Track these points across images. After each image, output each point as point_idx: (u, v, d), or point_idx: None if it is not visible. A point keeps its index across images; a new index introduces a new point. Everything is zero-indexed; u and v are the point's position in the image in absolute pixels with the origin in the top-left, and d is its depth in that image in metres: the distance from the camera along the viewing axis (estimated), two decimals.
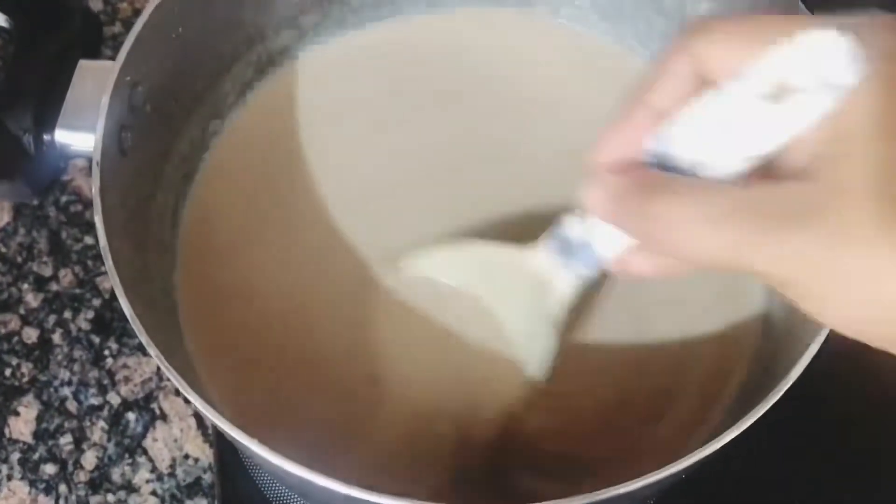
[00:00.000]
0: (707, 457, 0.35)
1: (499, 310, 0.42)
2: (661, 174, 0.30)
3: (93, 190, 0.38)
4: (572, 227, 0.38)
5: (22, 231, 0.59)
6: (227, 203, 0.48)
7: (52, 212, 0.59)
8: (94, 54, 0.44)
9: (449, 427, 0.42)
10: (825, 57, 0.26)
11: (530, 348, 0.42)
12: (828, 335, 0.36)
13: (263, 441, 0.35)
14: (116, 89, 0.40)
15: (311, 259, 0.47)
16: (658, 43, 0.51)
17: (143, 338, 0.36)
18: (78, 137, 0.41)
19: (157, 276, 0.44)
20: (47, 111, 0.41)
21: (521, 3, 0.53)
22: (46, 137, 0.41)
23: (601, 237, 0.36)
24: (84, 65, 0.42)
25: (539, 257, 0.40)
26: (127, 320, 0.55)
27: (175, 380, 0.35)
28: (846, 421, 0.51)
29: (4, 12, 0.41)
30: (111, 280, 0.37)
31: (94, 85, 0.41)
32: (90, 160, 0.40)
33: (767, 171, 0.29)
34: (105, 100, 0.40)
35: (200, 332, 0.45)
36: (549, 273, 0.40)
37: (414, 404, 0.43)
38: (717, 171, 0.29)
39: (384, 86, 0.52)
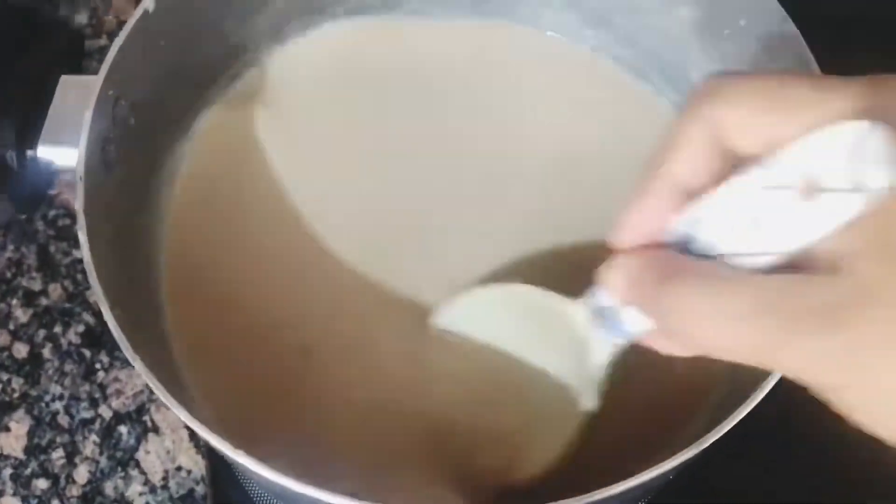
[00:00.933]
0: (694, 457, 0.35)
1: (535, 360, 0.42)
2: (680, 259, 0.29)
3: (76, 205, 0.38)
4: (603, 296, 0.36)
5: (10, 246, 0.59)
6: (204, 214, 0.49)
7: (40, 226, 0.59)
8: (77, 70, 0.44)
9: (454, 445, 0.42)
10: (857, 157, 0.25)
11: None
12: None
13: (252, 452, 0.35)
14: (99, 103, 0.40)
15: (293, 264, 0.47)
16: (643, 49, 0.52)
17: (128, 353, 0.36)
18: (61, 153, 0.41)
19: (144, 291, 0.44)
20: (30, 127, 0.41)
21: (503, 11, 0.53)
22: (29, 153, 0.41)
23: (627, 313, 0.34)
24: (66, 80, 0.42)
25: (580, 313, 0.38)
26: None
27: (158, 391, 0.35)
28: (830, 421, 0.51)
29: None
30: (96, 296, 0.37)
31: (77, 100, 0.41)
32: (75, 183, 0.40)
33: (794, 261, 0.26)
34: (88, 114, 0.40)
35: (188, 345, 0.45)
36: (589, 332, 0.38)
37: (409, 410, 0.43)
38: (743, 262, 0.27)
39: (358, 88, 0.52)
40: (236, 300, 0.46)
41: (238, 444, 0.35)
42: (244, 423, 0.43)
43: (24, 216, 0.58)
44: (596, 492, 0.34)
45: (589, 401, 0.40)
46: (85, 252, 0.38)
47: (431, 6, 0.53)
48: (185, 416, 0.35)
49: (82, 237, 0.38)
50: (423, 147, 0.50)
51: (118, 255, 0.42)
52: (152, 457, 0.54)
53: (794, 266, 0.26)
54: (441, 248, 0.48)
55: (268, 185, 0.49)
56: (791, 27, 0.43)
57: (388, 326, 0.46)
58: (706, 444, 0.35)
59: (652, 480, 0.35)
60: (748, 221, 0.27)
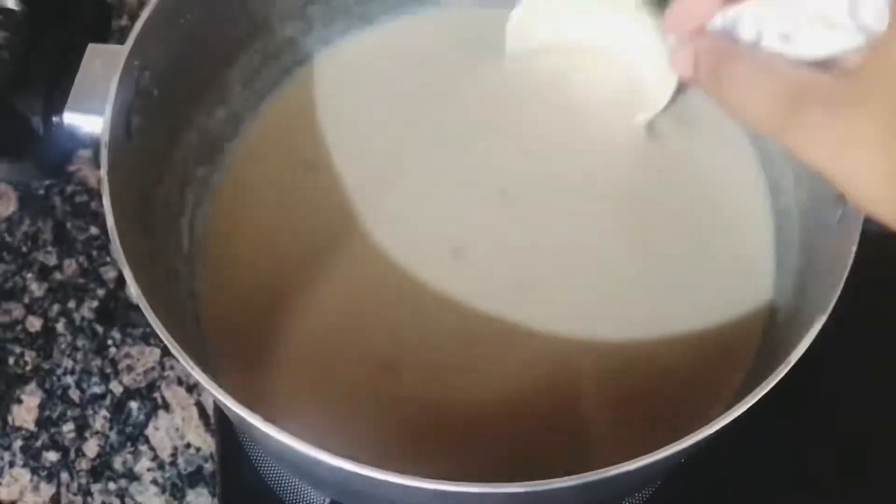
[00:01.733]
0: (707, 439, 0.35)
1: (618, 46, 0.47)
2: (734, 44, 0.34)
3: (101, 171, 0.39)
4: None
5: (27, 220, 0.59)
6: (235, 191, 0.49)
7: (57, 202, 0.60)
8: (104, 40, 0.44)
9: (460, 413, 0.42)
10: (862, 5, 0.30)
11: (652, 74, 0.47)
12: (826, 322, 0.36)
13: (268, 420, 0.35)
14: (125, 73, 0.41)
15: (320, 245, 0.48)
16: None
17: (148, 313, 0.36)
18: (86, 119, 0.41)
19: (162, 261, 0.44)
20: (56, 94, 0.41)
21: None
22: (55, 119, 0.41)
23: None
24: (93, 48, 0.42)
25: None
26: (130, 309, 0.57)
27: (172, 347, 0.35)
28: (845, 409, 0.51)
29: None
30: (117, 258, 0.37)
31: (103, 68, 0.41)
32: (96, 150, 0.40)
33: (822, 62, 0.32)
34: (114, 83, 0.40)
35: (209, 318, 0.45)
36: None
37: (427, 393, 0.43)
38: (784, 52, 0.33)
39: (400, 82, 0.52)
40: (264, 281, 0.47)
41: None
42: (260, 396, 0.43)
43: (46, 183, 0.59)
44: (602, 469, 0.33)
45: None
46: (108, 216, 0.38)
47: None
48: (200, 376, 0.35)
49: (106, 201, 0.38)
50: (478, 145, 0.51)
51: (139, 223, 0.42)
52: (161, 433, 0.54)
53: (822, 65, 0.31)
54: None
55: (308, 179, 0.50)
56: None
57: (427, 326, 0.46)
58: (711, 431, 0.35)
59: (659, 462, 0.35)
60: (774, 33, 0.33)
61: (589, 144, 0.50)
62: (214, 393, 0.35)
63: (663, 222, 0.48)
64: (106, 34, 0.46)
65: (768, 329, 0.45)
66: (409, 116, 0.51)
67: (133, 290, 0.37)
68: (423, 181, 0.49)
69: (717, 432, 0.35)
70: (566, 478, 0.33)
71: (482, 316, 0.45)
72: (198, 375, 0.35)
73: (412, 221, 0.48)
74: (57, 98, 0.41)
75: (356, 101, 0.52)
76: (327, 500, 0.50)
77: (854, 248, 0.37)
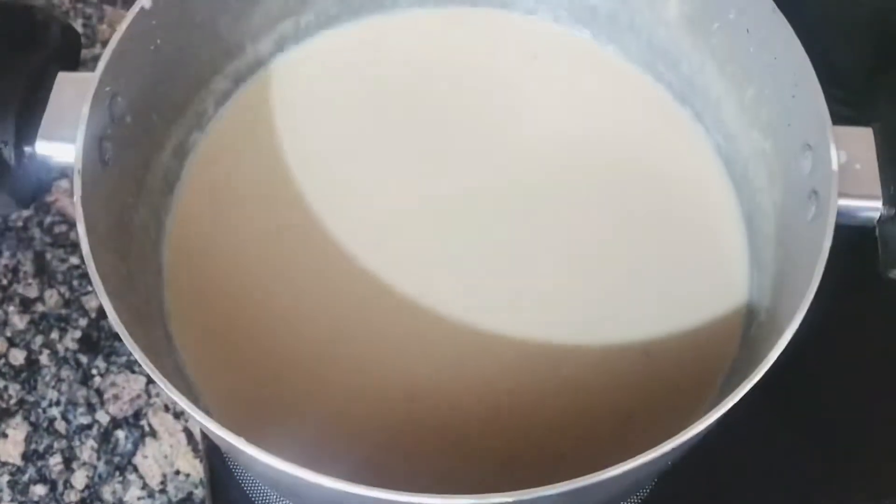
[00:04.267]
0: (689, 443, 0.35)
1: None
2: None
3: (74, 198, 0.39)
4: None
5: (6, 253, 0.59)
6: (210, 210, 0.49)
7: (36, 233, 0.59)
8: (73, 68, 0.44)
9: (444, 422, 0.42)
10: None
11: None
12: (812, 320, 0.37)
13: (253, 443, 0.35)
14: (96, 100, 0.41)
15: (296, 261, 0.47)
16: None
17: (128, 342, 0.36)
18: (59, 148, 0.41)
19: (142, 286, 0.44)
20: (27, 124, 0.41)
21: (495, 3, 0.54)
22: (27, 149, 0.41)
23: None
24: (63, 77, 0.42)
25: None
26: (114, 339, 0.56)
27: (156, 377, 0.35)
28: (827, 406, 0.51)
29: None
30: (95, 287, 0.37)
31: (74, 96, 0.41)
32: (72, 178, 0.40)
33: None
34: (85, 110, 0.40)
35: (188, 339, 0.45)
36: None
37: (408, 402, 0.43)
38: None
39: (362, 86, 0.52)
40: (238, 297, 0.47)
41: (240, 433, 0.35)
42: (244, 418, 0.43)
43: (24, 213, 0.58)
44: (587, 476, 0.33)
45: None
46: (84, 244, 0.38)
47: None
48: (184, 404, 0.35)
49: (80, 228, 0.38)
50: (440, 144, 0.51)
51: (115, 250, 0.42)
52: (150, 461, 0.54)
53: None
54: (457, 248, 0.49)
55: (273, 182, 0.50)
56: (780, 18, 0.43)
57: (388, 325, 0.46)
58: (695, 433, 0.35)
59: (648, 464, 0.34)
60: None
61: (556, 149, 0.50)
62: (199, 419, 0.35)
63: (634, 228, 0.49)
64: (75, 63, 0.45)
65: (748, 329, 0.45)
66: (376, 123, 0.51)
67: (112, 319, 0.37)
68: (386, 187, 0.50)
69: (698, 435, 0.35)
70: (552, 485, 0.33)
71: (456, 323, 0.45)
72: (179, 400, 0.35)
73: (385, 231, 0.48)
74: (28, 128, 0.41)
75: (322, 108, 0.52)
76: None
77: (827, 246, 0.38)
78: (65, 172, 0.43)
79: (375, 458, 0.42)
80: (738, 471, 0.50)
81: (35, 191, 0.43)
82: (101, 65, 0.41)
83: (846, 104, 0.44)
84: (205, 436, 0.53)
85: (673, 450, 0.34)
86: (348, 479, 0.33)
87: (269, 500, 0.51)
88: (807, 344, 0.37)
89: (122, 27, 0.42)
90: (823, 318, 0.37)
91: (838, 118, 0.41)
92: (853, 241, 0.40)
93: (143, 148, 0.46)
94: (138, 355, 0.36)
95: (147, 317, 0.43)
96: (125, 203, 0.44)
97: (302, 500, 0.44)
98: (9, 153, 0.40)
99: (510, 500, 0.33)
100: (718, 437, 0.38)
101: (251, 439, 0.35)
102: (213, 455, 0.52)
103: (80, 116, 0.40)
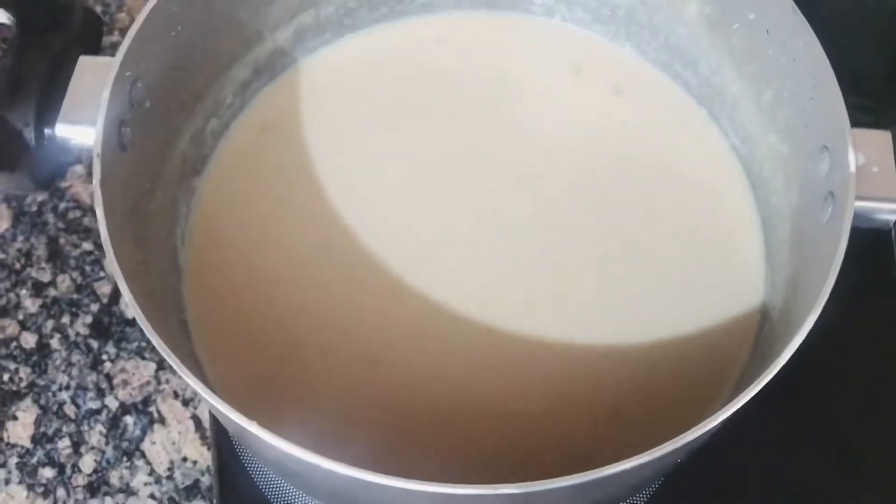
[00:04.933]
0: (701, 439, 0.35)
1: None
2: None
3: (94, 182, 0.39)
4: None
5: (20, 237, 0.59)
6: (232, 203, 0.49)
7: (50, 218, 0.60)
8: (95, 52, 0.44)
9: (450, 411, 0.42)
10: None
11: None
12: (824, 321, 0.37)
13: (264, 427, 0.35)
14: (116, 84, 0.41)
15: (315, 253, 0.48)
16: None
17: (144, 325, 0.36)
18: (78, 131, 0.41)
19: (156, 273, 0.44)
20: (48, 106, 0.41)
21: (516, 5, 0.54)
22: (47, 131, 0.41)
23: None
24: (84, 61, 0.42)
25: None
26: (124, 324, 0.57)
27: (168, 357, 0.35)
28: (839, 409, 0.51)
29: (6, 9, 0.42)
30: (112, 270, 0.37)
31: (95, 80, 0.41)
32: (89, 166, 0.40)
33: None
34: (105, 94, 0.40)
35: (204, 328, 0.45)
36: None
37: (415, 389, 0.43)
38: None
39: (385, 89, 0.53)
40: (255, 285, 0.47)
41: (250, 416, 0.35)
42: (256, 405, 0.43)
43: (40, 196, 0.58)
44: (596, 470, 0.33)
45: None
46: (102, 227, 0.38)
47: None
48: (197, 386, 0.35)
49: (99, 211, 0.38)
50: (457, 147, 0.51)
51: (132, 235, 0.42)
52: (158, 447, 0.54)
53: None
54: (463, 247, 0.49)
55: (294, 179, 0.50)
56: (801, 20, 0.43)
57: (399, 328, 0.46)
58: (703, 431, 0.35)
59: (658, 460, 0.34)
60: None
61: (572, 147, 0.51)
62: (211, 401, 0.35)
63: (650, 228, 0.49)
64: (97, 48, 0.46)
65: (762, 329, 0.46)
66: (394, 123, 0.52)
67: (129, 302, 0.37)
68: (406, 185, 0.50)
69: (710, 431, 0.35)
70: (562, 478, 0.33)
71: (475, 322, 0.45)
72: (194, 384, 0.35)
73: (398, 226, 0.49)
74: (49, 110, 0.41)
75: (342, 106, 0.52)
76: None
77: (843, 247, 0.37)
78: (80, 157, 0.44)
79: (383, 447, 0.42)
80: (746, 471, 0.50)
81: (53, 173, 0.43)
82: (123, 49, 0.41)
83: (863, 108, 0.44)
84: (213, 423, 0.53)
85: (683, 446, 0.34)
86: (356, 465, 0.33)
87: (276, 487, 0.51)
88: (819, 346, 0.37)
89: (145, 12, 0.42)
90: (836, 320, 0.37)
91: (856, 122, 0.41)
92: (868, 243, 0.40)
93: (161, 134, 0.46)
94: (153, 338, 0.36)
95: (161, 303, 0.43)
96: (143, 189, 0.44)
97: (310, 485, 0.45)
98: (29, 134, 0.41)
99: (517, 491, 0.33)
100: (727, 437, 0.38)
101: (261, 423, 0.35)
102: (220, 442, 0.52)
103: (101, 100, 0.40)
